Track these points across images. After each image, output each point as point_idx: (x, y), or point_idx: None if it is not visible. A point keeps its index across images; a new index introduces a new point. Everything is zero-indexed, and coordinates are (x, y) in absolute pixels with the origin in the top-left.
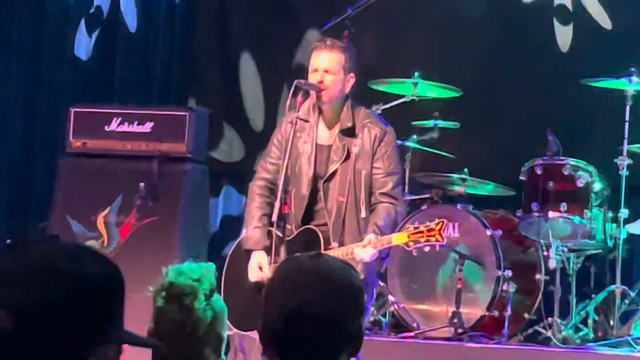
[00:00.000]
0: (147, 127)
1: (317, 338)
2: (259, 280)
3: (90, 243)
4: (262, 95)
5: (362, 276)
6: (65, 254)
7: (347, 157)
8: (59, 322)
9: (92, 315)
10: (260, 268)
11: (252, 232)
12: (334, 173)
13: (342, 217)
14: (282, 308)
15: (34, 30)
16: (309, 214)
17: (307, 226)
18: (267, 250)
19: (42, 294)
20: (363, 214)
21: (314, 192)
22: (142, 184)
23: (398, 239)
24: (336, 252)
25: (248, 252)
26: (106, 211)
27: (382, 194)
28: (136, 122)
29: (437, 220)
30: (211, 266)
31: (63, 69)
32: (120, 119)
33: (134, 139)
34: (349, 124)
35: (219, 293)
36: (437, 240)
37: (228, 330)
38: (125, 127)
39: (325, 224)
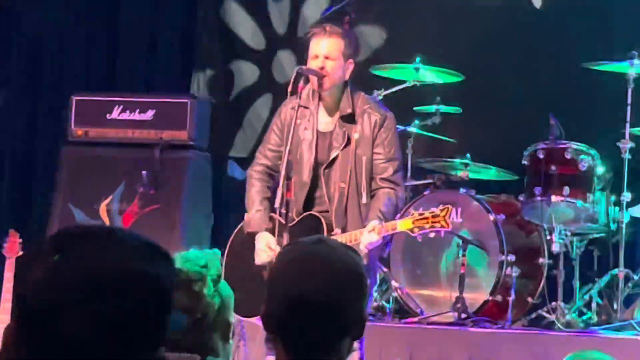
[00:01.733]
0: (149, 114)
1: (320, 323)
2: (269, 260)
3: None
4: (251, 19)
5: (364, 262)
6: (140, 254)
7: (348, 143)
8: (136, 328)
9: (162, 317)
10: (270, 248)
11: (254, 215)
12: (335, 159)
13: (344, 203)
14: (285, 294)
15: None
16: (309, 201)
17: (310, 212)
18: (270, 232)
19: (126, 301)
20: (364, 200)
21: (314, 178)
22: (144, 172)
23: (403, 225)
24: (340, 238)
25: (251, 236)
26: (109, 199)
27: (382, 179)
28: (138, 110)
29: (442, 207)
30: (217, 252)
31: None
32: (121, 107)
33: (135, 126)
34: (349, 110)
35: None
36: (442, 227)
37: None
38: (126, 115)
39: (327, 211)
